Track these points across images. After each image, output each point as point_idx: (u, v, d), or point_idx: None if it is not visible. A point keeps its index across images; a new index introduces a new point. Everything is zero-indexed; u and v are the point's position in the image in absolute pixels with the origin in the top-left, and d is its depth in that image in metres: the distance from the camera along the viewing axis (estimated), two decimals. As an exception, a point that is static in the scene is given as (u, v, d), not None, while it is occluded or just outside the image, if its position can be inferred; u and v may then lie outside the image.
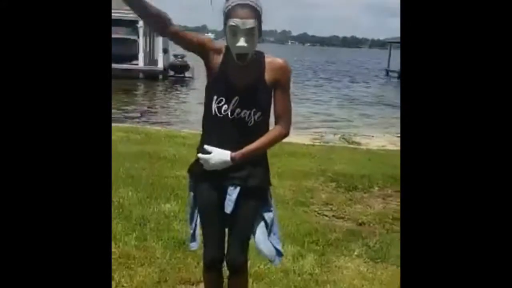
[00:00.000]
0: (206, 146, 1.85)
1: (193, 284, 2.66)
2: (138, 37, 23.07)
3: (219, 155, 1.83)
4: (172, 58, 24.98)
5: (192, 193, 2.02)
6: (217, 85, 1.84)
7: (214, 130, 1.87)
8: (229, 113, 1.82)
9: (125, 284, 2.60)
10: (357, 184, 4.71)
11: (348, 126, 12.53)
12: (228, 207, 1.89)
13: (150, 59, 24.75)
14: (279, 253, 2.01)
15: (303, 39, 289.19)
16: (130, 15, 21.82)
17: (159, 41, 23.36)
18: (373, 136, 10.81)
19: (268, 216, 1.97)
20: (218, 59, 1.84)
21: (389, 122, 14.14)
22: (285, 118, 1.90)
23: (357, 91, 23.71)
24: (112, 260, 2.78)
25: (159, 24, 1.77)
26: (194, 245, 2.08)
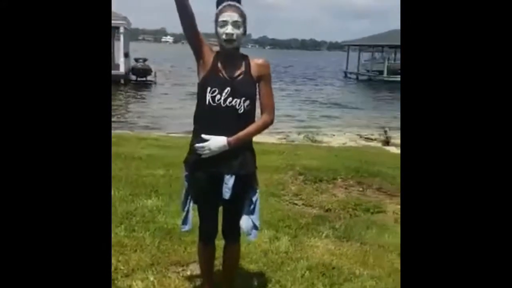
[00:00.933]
0: (203, 135, 2.12)
1: (183, 265, 2.97)
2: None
3: (216, 141, 2.09)
4: (133, 62, 24.87)
5: (186, 182, 2.29)
6: (211, 78, 2.12)
7: (209, 118, 2.13)
8: (222, 102, 2.09)
9: (122, 267, 2.88)
10: (322, 177, 5.14)
11: (311, 126, 13.06)
12: (226, 194, 2.16)
13: (112, 63, 24.53)
14: (255, 228, 2.32)
15: (263, 42, 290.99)
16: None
17: (120, 45, 23.20)
18: (334, 135, 11.36)
19: (254, 197, 2.30)
20: (210, 58, 2.15)
21: (348, 122, 14.81)
22: (269, 108, 2.21)
23: (317, 93, 24.46)
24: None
25: (192, 20, 2.09)
26: (185, 227, 2.36)
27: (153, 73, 24.40)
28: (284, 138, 10.11)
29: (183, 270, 2.91)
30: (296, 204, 4.31)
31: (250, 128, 2.17)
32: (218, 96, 2.09)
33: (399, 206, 4.43)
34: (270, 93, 2.23)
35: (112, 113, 15.04)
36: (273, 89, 2.28)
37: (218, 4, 2.15)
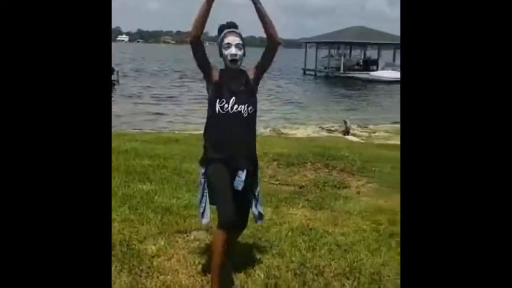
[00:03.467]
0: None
1: (185, 233, 3.53)
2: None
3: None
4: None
5: (203, 179, 2.60)
6: (219, 92, 2.53)
7: (219, 123, 2.53)
8: (229, 109, 2.50)
9: (135, 236, 3.41)
10: (293, 161, 5.82)
11: (276, 120, 13.78)
12: (239, 186, 2.53)
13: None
14: (260, 216, 2.74)
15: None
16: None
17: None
18: (298, 128, 12.11)
19: (257, 190, 2.72)
20: (217, 76, 2.57)
21: (309, 116, 15.63)
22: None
23: (278, 89, 25.29)
24: (117, 223, 3.59)
25: (204, 52, 2.54)
26: (205, 220, 2.63)
27: (115, 73, 24.35)
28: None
29: (186, 236, 3.48)
30: (274, 183, 4.96)
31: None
32: (226, 105, 2.50)
33: (360, 182, 5.16)
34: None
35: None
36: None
37: (219, 31, 2.59)
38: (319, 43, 40.83)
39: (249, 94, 2.59)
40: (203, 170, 2.60)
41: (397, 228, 3.70)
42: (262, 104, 18.77)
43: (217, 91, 2.55)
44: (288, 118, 15.01)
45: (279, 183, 4.97)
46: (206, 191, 2.60)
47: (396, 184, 5.09)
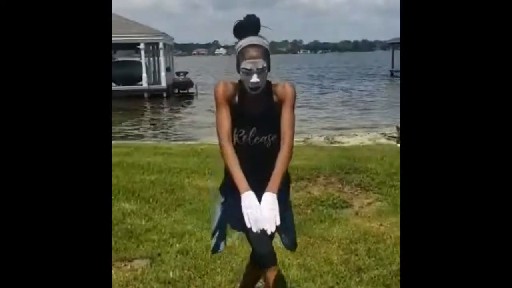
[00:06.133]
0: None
1: (124, 261, 3.22)
2: (141, 59, 23.96)
3: (265, 207, 1.87)
4: (175, 76, 25.80)
5: (220, 208, 2.18)
6: (236, 121, 2.02)
7: (238, 156, 1.98)
8: (249, 141, 2.03)
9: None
10: (305, 175, 5.23)
11: (341, 128, 13.04)
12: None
13: (156, 78, 25.62)
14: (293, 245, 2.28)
15: (315, 46, 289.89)
16: (131, 37, 22.87)
17: (162, 60, 24.22)
18: (356, 135, 11.28)
19: (289, 215, 2.20)
20: (234, 99, 2.04)
21: (381, 120, 14.60)
22: (287, 138, 2.01)
23: (359, 93, 24.16)
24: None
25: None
26: (220, 249, 2.27)
27: (194, 85, 25.17)
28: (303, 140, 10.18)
29: (124, 265, 3.16)
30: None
31: (279, 169, 1.98)
32: (245, 137, 2.04)
33: (367, 200, 4.46)
34: (291, 120, 2.04)
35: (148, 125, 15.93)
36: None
37: (237, 33, 2.02)
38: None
39: (273, 120, 2.04)
40: (222, 199, 2.18)
41: (372, 260, 3.06)
42: (336, 107, 18.57)
43: (234, 118, 2.02)
44: (354, 123, 14.15)
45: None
46: (223, 221, 2.19)
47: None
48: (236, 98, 2.04)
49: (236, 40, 2.03)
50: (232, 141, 2.02)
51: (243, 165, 1.96)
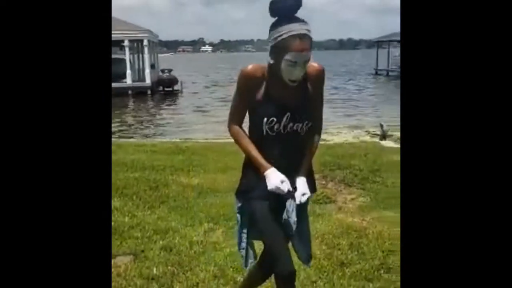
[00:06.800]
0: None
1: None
2: (125, 56, 23.75)
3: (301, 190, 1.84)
4: (159, 73, 25.64)
5: (239, 215, 1.98)
6: (265, 107, 1.82)
7: (266, 149, 1.84)
8: (282, 130, 1.82)
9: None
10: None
11: (330, 123, 13.14)
12: (292, 226, 1.86)
13: (140, 75, 25.42)
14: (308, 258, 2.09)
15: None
16: (116, 35, 22.66)
17: (147, 57, 24.04)
18: (340, 133, 11.35)
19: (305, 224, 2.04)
20: (261, 86, 1.83)
21: (363, 118, 14.74)
22: (318, 126, 1.94)
23: (343, 91, 24.33)
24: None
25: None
26: (251, 262, 2.06)
27: (179, 83, 25.05)
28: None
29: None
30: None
31: (309, 156, 1.95)
32: (277, 125, 1.82)
33: (351, 196, 4.50)
34: (321, 106, 1.95)
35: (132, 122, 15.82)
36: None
37: (278, 20, 1.74)
38: (391, 42, 38.87)
39: (307, 106, 1.87)
40: (239, 204, 1.98)
41: (354, 255, 3.09)
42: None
43: (262, 105, 1.84)
44: (339, 121, 14.25)
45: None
46: (245, 230, 2.00)
47: (390, 197, 4.40)
48: (264, 84, 1.83)
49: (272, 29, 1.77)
50: (261, 132, 1.84)
51: (274, 154, 1.84)
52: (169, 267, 2.96)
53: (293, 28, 1.70)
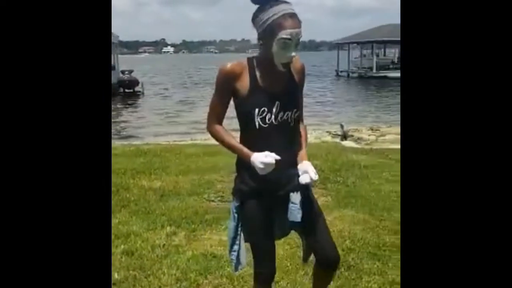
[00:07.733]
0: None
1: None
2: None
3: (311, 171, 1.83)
4: (120, 75, 25.16)
5: (236, 215, 1.94)
6: (254, 98, 1.80)
7: (259, 141, 1.82)
8: (273, 120, 1.81)
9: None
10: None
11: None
12: (298, 215, 1.83)
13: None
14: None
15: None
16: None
17: (106, 58, 23.51)
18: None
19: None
20: (246, 76, 1.82)
21: (325, 119, 14.98)
22: (301, 116, 1.97)
23: (308, 92, 24.63)
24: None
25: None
26: (240, 267, 2.02)
27: (140, 84, 24.67)
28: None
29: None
30: (214, 201, 4.45)
31: (305, 143, 1.99)
32: (269, 115, 1.81)
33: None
34: (302, 96, 1.98)
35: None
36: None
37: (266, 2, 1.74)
38: (351, 43, 39.72)
39: (295, 94, 1.88)
40: (236, 204, 1.93)
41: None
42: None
43: (251, 97, 1.81)
44: (304, 122, 14.40)
45: (220, 200, 4.46)
46: (240, 230, 1.96)
47: (350, 197, 4.51)
48: (248, 77, 1.81)
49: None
50: (253, 125, 1.81)
51: (269, 147, 1.78)
52: (130, 272, 2.92)
53: (283, 8, 1.72)
